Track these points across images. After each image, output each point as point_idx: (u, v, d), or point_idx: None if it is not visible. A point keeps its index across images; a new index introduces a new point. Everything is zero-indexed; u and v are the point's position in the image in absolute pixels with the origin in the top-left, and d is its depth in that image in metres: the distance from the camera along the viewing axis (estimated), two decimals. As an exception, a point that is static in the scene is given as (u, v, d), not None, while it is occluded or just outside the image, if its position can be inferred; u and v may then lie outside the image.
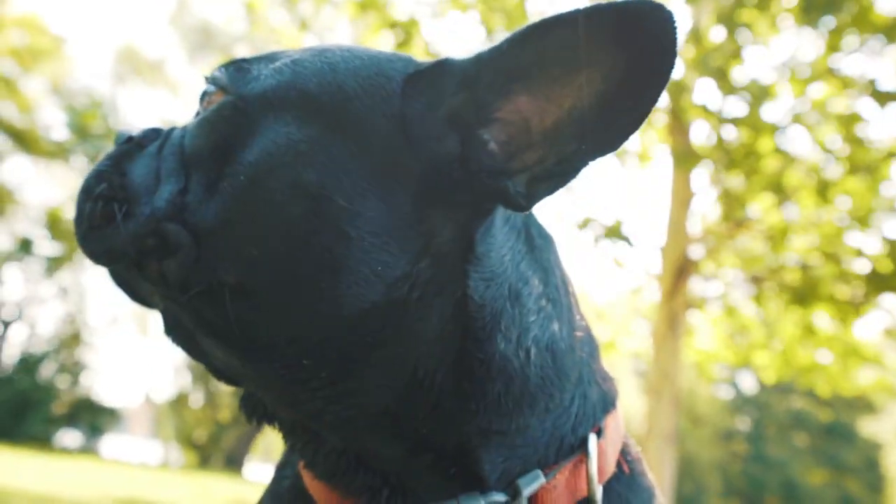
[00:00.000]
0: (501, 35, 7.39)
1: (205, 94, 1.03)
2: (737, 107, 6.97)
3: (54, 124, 22.48)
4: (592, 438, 1.01)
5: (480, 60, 0.91)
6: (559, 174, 0.91)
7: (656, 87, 0.85)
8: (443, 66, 0.94)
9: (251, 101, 0.95)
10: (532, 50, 0.87)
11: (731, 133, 7.00)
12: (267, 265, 0.89)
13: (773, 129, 6.82)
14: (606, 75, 0.85)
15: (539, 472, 0.97)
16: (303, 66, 0.97)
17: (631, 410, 24.39)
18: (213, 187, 0.93)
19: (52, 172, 23.84)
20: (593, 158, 0.90)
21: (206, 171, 0.94)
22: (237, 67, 1.00)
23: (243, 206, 0.90)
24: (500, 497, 0.95)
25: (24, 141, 19.86)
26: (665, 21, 0.82)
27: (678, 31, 0.84)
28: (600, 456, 1.01)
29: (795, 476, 27.37)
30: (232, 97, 0.96)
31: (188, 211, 0.93)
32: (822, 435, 27.84)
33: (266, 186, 0.89)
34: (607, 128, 0.88)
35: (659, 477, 7.68)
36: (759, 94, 6.66)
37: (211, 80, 1.01)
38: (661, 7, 0.82)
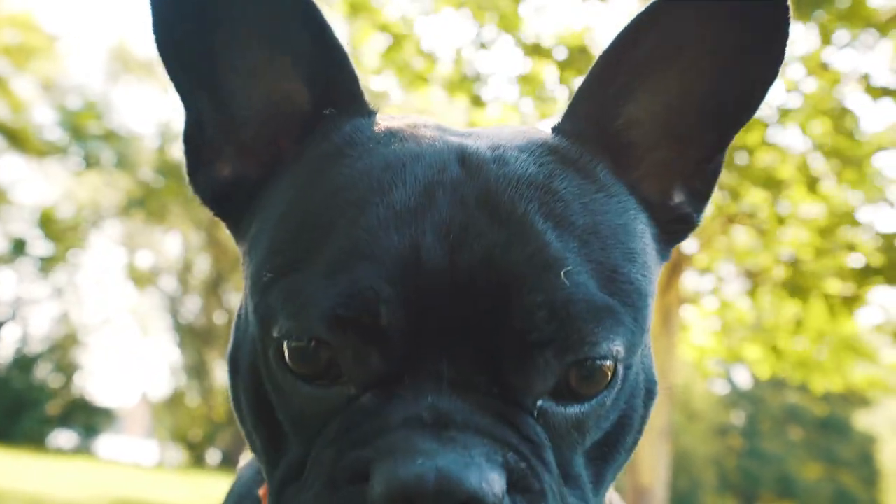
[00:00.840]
0: (492, 32, 7.39)
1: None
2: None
3: (47, 123, 22.41)
4: None
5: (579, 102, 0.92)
6: (709, 165, 0.93)
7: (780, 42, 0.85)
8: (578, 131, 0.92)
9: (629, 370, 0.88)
10: (639, 49, 0.87)
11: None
12: None
13: (764, 125, 6.83)
14: (727, 49, 0.85)
15: None
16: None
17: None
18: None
19: (46, 171, 23.77)
20: (736, 131, 0.91)
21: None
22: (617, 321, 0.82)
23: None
24: None
25: (17, 140, 19.76)
26: None
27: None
28: None
29: (790, 470, 27.45)
30: (633, 374, 0.88)
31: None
32: (817, 429, 27.92)
33: None
34: (739, 99, 0.87)
35: (654, 472, 7.69)
36: None
37: (608, 353, 0.80)
38: None
